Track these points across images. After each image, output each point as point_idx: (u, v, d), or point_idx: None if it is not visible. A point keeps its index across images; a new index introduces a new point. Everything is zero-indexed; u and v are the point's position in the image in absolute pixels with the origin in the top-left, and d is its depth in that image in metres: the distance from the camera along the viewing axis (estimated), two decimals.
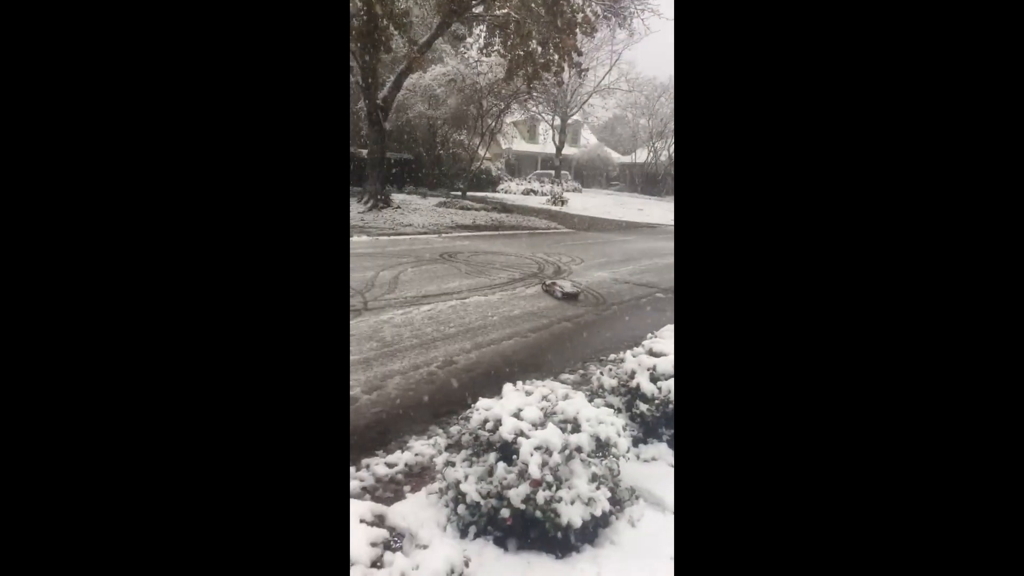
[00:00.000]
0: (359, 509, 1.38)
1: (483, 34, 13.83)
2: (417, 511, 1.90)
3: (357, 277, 6.07)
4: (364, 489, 2.22)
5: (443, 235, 10.83)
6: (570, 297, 5.73)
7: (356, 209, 12.45)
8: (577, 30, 11.59)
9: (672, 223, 17.83)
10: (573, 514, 1.72)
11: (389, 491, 2.23)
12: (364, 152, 14.76)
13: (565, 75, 14.71)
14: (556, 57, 11.87)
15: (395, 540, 1.36)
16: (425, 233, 10.85)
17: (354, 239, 9.39)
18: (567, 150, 31.42)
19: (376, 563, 1.25)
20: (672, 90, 30.38)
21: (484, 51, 14.76)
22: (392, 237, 10.06)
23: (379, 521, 1.37)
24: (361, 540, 1.26)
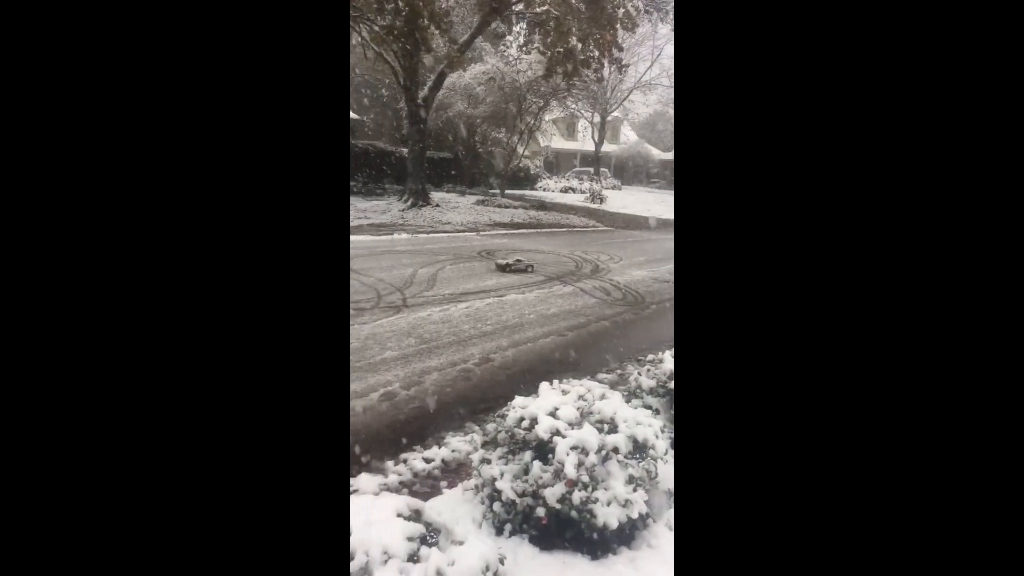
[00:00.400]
0: (396, 503, 1.40)
1: (523, 32, 13.83)
2: (453, 507, 1.91)
3: (396, 274, 6.17)
4: (401, 483, 2.26)
5: (481, 233, 10.88)
6: (515, 270, 6.65)
7: (397, 207, 12.64)
8: (618, 25, 11.46)
9: None
10: (609, 516, 1.70)
11: (426, 486, 2.25)
12: (404, 151, 14.97)
13: (605, 71, 14.57)
14: (596, 53, 11.76)
15: (431, 535, 1.37)
16: (464, 231, 10.93)
17: (394, 236, 9.54)
18: (607, 147, 31.11)
19: (412, 557, 1.26)
20: None
21: (524, 48, 14.76)
22: (431, 235, 10.17)
23: (415, 516, 1.39)
24: (397, 534, 1.27)
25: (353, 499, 1.45)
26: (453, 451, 2.51)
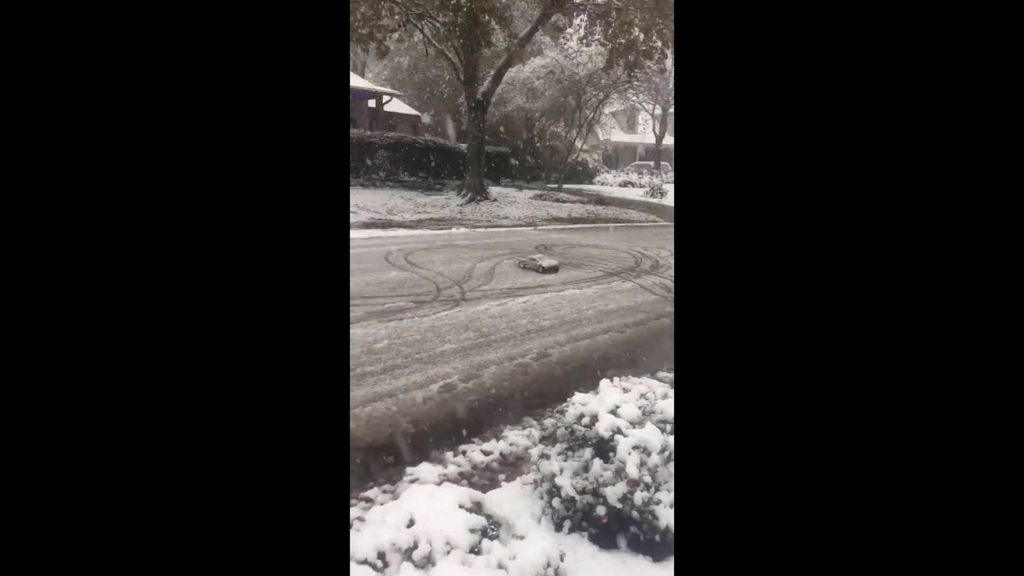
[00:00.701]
0: (457, 495, 1.42)
1: (584, 24, 13.65)
2: (512, 500, 1.92)
3: (455, 268, 6.25)
4: (461, 475, 2.28)
5: (539, 228, 10.87)
6: (550, 270, 6.01)
7: (455, 202, 12.81)
8: None
9: None
10: (672, 518, 1.66)
11: (484, 479, 2.27)
12: (464, 146, 15.14)
13: (668, 62, 14.18)
14: (659, 44, 11.46)
15: (492, 528, 1.38)
16: (521, 226, 10.95)
17: (452, 231, 9.67)
18: (667, 140, 30.33)
19: (474, 549, 1.27)
20: None
21: (584, 41, 14.58)
22: (489, 229, 10.24)
23: (476, 508, 1.40)
24: (460, 526, 1.28)
25: (415, 488, 1.47)
26: (511, 445, 2.52)
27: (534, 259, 6.37)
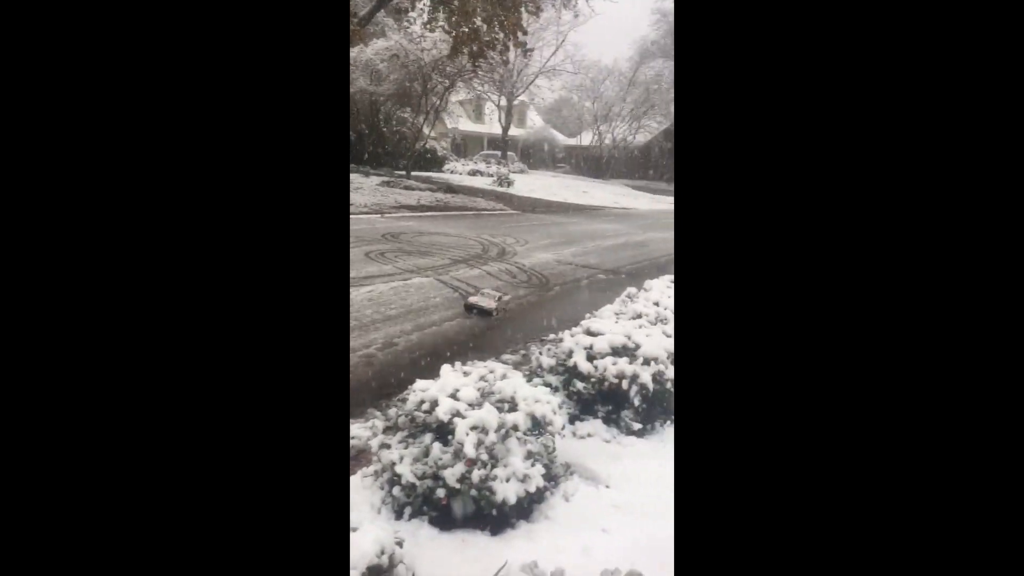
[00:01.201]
0: None
1: (426, 8, 13.48)
2: (351, 494, 1.87)
3: None
4: None
5: (386, 215, 10.60)
6: (483, 313, 4.50)
7: None
8: (523, 9, 11.48)
9: (615, 206, 18.12)
10: (508, 491, 1.75)
11: None
12: None
13: (511, 54, 14.58)
14: (501, 35, 11.72)
15: None
16: (368, 213, 10.59)
17: None
18: (513, 131, 31.31)
19: None
20: (615, 73, 30.75)
21: (428, 26, 14.40)
22: None
23: None
24: None
25: None
26: (353, 438, 2.45)
27: (477, 302, 4.60)
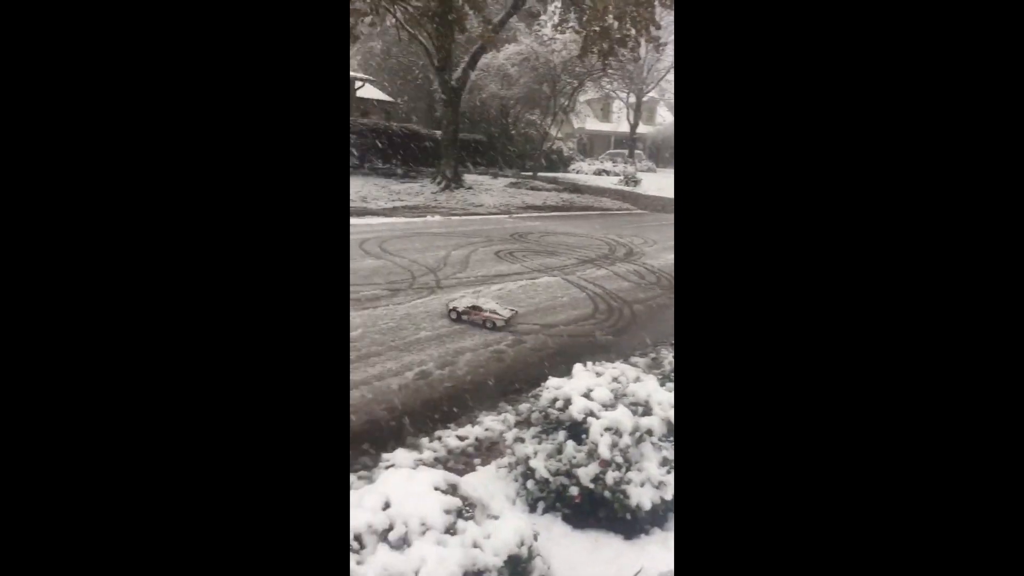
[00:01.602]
0: (433, 477, 1.43)
1: (558, 10, 13.59)
2: (487, 483, 1.95)
3: (430, 256, 6.22)
4: (436, 459, 2.30)
5: (514, 215, 10.87)
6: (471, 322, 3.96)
7: (429, 189, 12.70)
8: (656, 2, 11.15)
9: None
10: (643, 496, 1.71)
11: (460, 463, 2.29)
12: (438, 133, 14.99)
13: (642, 50, 14.24)
14: (633, 32, 11.49)
15: (467, 509, 1.40)
16: (496, 213, 10.93)
17: (427, 219, 9.60)
18: (642, 129, 30.49)
19: (449, 530, 1.29)
20: None
21: (559, 28, 14.51)
22: (464, 217, 10.20)
23: (452, 490, 1.42)
24: (435, 507, 1.30)
25: (391, 472, 1.49)
26: (487, 430, 2.55)
27: (477, 308, 4.03)
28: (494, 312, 3.96)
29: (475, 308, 3.99)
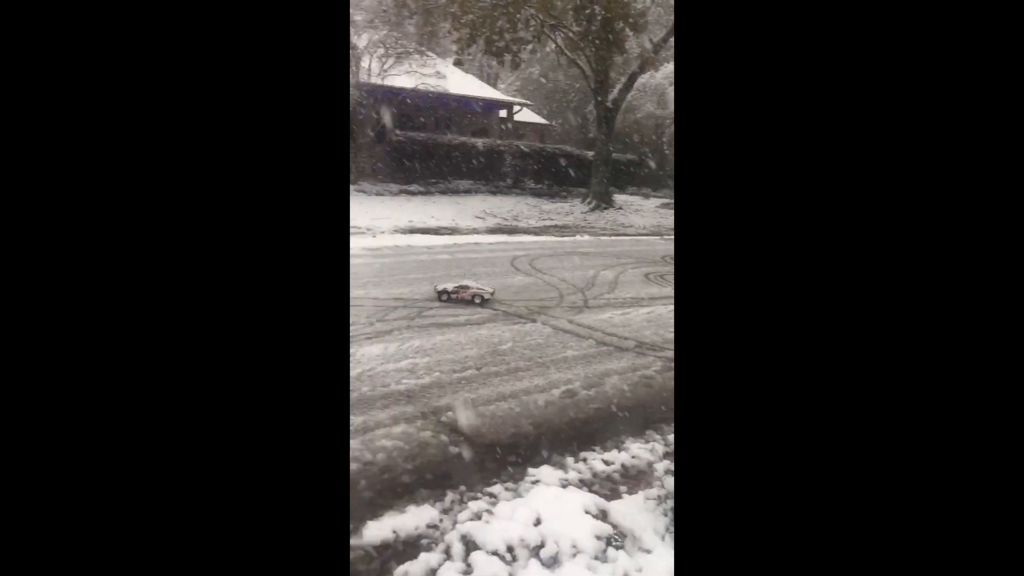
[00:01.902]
0: (583, 500, 1.43)
1: None
2: (635, 514, 1.88)
3: (578, 275, 6.26)
4: (581, 481, 2.28)
5: (665, 237, 10.54)
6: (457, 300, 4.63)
7: (580, 209, 12.83)
8: None
9: None
10: None
11: (606, 488, 2.25)
12: (590, 154, 15.12)
13: None
14: None
15: (616, 538, 1.37)
16: (647, 235, 10.69)
17: (576, 238, 9.69)
18: None
19: (599, 556, 1.27)
20: None
21: None
22: (613, 237, 10.13)
23: (602, 515, 1.39)
24: (587, 531, 1.29)
25: (540, 488, 1.51)
26: (633, 457, 2.47)
27: (465, 287, 4.87)
28: (481, 289, 4.82)
29: (463, 287, 4.79)
